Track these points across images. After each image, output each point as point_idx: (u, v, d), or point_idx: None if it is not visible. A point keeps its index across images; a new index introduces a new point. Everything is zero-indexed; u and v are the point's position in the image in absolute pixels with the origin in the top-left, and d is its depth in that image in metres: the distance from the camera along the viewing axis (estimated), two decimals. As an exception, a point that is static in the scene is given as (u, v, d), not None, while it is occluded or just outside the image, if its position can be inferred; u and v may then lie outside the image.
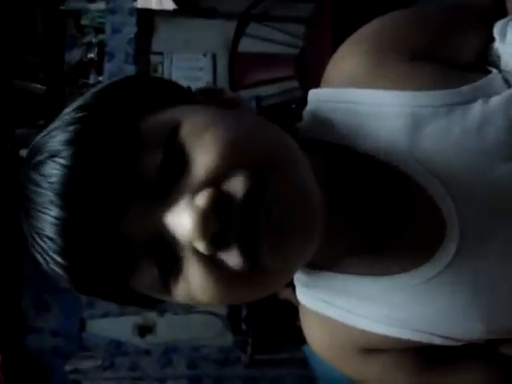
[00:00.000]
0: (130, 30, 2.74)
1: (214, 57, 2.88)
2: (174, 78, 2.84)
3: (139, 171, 0.44)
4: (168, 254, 0.44)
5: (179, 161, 0.44)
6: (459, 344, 0.57)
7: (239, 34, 2.76)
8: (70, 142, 0.44)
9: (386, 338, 0.57)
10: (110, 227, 0.43)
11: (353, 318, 0.57)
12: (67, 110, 0.48)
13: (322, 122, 0.56)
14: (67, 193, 0.43)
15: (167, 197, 0.43)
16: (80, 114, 0.46)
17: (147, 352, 2.82)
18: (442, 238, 0.52)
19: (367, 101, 0.54)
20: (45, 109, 2.60)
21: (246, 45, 2.76)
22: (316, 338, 0.62)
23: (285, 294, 2.47)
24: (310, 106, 0.58)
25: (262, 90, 2.64)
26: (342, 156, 0.54)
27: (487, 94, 0.51)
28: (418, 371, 0.60)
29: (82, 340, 2.81)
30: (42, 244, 0.46)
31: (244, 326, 2.60)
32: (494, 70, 0.54)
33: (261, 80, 2.64)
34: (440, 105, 0.52)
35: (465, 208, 0.51)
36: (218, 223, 0.41)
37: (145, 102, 0.48)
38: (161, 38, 2.89)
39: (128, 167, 0.44)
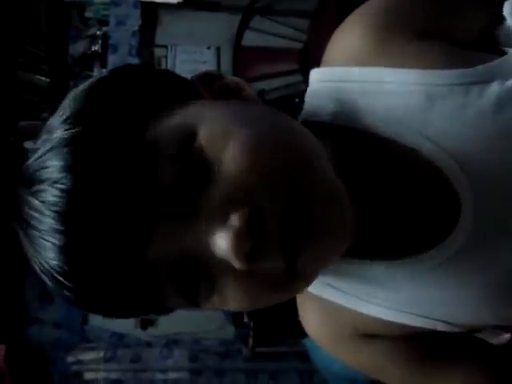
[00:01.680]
0: (134, 22, 2.73)
1: (217, 50, 2.87)
2: (178, 71, 2.80)
3: (155, 188, 0.40)
4: (196, 273, 0.42)
5: (200, 172, 0.41)
6: (462, 330, 0.56)
7: (243, 27, 2.75)
8: (69, 168, 0.40)
9: (387, 323, 0.56)
10: (133, 254, 0.41)
11: (357, 301, 0.56)
12: (56, 121, 0.44)
13: (328, 103, 0.54)
14: (72, 220, 0.40)
15: (194, 215, 0.41)
16: (73, 130, 0.42)
17: (149, 344, 2.82)
18: (456, 220, 0.50)
19: (374, 79, 0.53)
20: (48, 101, 2.60)
21: (250, 38, 2.75)
22: (313, 321, 0.61)
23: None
24: (312, 87, 0.57)
25: (266, 84, 2.63)
26: (351, 137, 0.53)
27: (504, 75, 0.50)
28: (413, 361, 0.59)
29: (84, 332, 2.81)
30: (50, 270, 0.43)
31: (246, 318, 2.61)
32: (510, 50, 0.52)
33: (265, 74, 2.64)
34: (455, 83, 0.50)
35: (480, 189, 0.50)
36: (254, 240, 0.40)
37: (146, 102, 0.44)
38: (165, 31, 2.88)
39: (142, 186, 0.40)
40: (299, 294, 0.61)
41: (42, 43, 2.70)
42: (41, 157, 0.43)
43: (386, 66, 0.53)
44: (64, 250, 0.41)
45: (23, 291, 2.72)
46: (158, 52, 2.89)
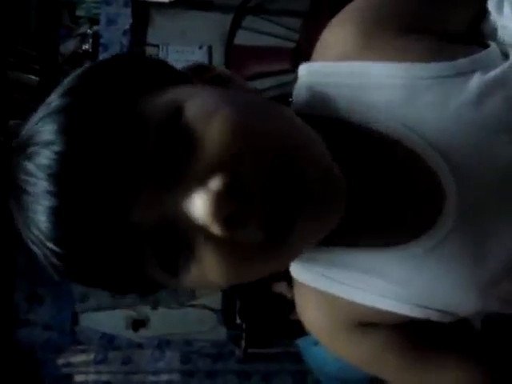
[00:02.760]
0: (125, 21, 2.72)
1: (209, 49, 2.86)
2: (170, 70, 2.82)
3: (142, 155, 0.42)
4: (176, 240, 0.43)
5: (186, 142, 0.42)
6: (454, 319, 0.57)
7: (235, 26, 2.74)
8: (63, 131, 0.42)
9: (381, 311, 0.57)
10: (117, 216, 0.42)
11: (350, 290, 0.57)
12: (53, 96, 0.46)
13: (315, 96, 0.56)
14: (65, 181, 0.41)
15: (177, 181, 0.42)
16: (69, 100, 0.44)
17: (140, 346, 2.81)
18: (441, 209, 0.52)
19: (361, 73, 0.54)
20: (39, 100, 2.58)
21: (243, 38, 2.74)
22: (310, 313, 0.62)
23: (278, 287, 2.47)
24: (301, 80, 0.58)
25: (258, 83, 2.63)
26: (339, 129, 0.54)
27: (485, 67, 0.52)
28: (408, 350, 0.60)
29: (74, 334, 2.80)
30: (40, 235, 0.44)
31: (238, 319, 2.60)
32: (493, 44, 0.54)
33: (257, 73, 2.63)
34: (437, 76, 0.52)
35: (464, 179, 0.51)
36: (234, 206, 0.41)
37: (139, 80, 0.46)
38: (156, 30, 2.87)
39: (130, 151, 0.42)
40: (296, 288, 0.62)
41: (32, 42, 2.68)
42: (36, 123, 0.45)
43: (373, 60, 0.54)
44: (55, 212, 0.42)
45: (12, 293, 2.70)
46: (150, 51, 2.87)
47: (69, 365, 2.73)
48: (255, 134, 0.43)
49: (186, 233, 0.43)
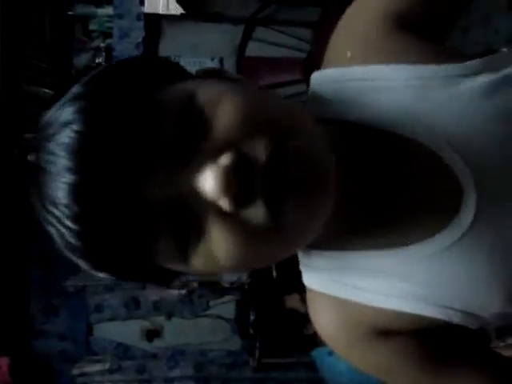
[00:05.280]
0: (138, 34, 2.75)
1: (221, 61, 2.88)
2: (182, 82, 2.84)
3: (158, 135, 0.44)
4: (188, 217, 0.45)
5: (198, 124, 0.45)
6: (475, 326, 0.56)
7: (246, 38, 2.76)
8: (82, 111, 0.44)
9: (399, 314, 0.56)
10: (133, 192, 0.44)
11: (365, 295, 0.57)
12: (73, 89, 0.48)
13: (326, 101, 0.57)
14: (84, 158, 0.43)
15: (190, 160, 0.44)
16: (89, 87, 0.46)
17: (154, 356, 2.81)
18: (459, 205, 0.52)
19: (376, 77, 0.55)
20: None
21: (253, 49, 2.76)
22: (323, 320, 0.61)
23: (291, 302, 2.47)
24: (312, 88, 0.59)
25: (270, 94, 2.64)
26: (350, 131, 0.55)
27: (492, 68, 0.54)
28: (425, 359, 0.59)
29: (89, 344, 2.81)
30: (57, 213, 0.45)
31: (251, 331, 2.60)
32: (504, 49, 0.56)
33: (268, 84, 2.64)
34: (448, 76, 0.54)
35: (480, 174, 0.52)
36: (240, 182, 0.43)
37: (155, 75, 0.49)
38: (168, 43, 2.89)
39: (147, 132, 0.44)
40: (309, 296, 0.62)
41: (46, 56, 2.71)
42: (57, 109, 0.47)
43: (382, 63, 0.56)
44: (73, 188, 0.44)
45: (28, 304, 2.72)
46: (162, 63, 2.90)
47: (84, 374, 2.74)
48: (260, 117, 0.45)
49: (197, 210, 0.45)
